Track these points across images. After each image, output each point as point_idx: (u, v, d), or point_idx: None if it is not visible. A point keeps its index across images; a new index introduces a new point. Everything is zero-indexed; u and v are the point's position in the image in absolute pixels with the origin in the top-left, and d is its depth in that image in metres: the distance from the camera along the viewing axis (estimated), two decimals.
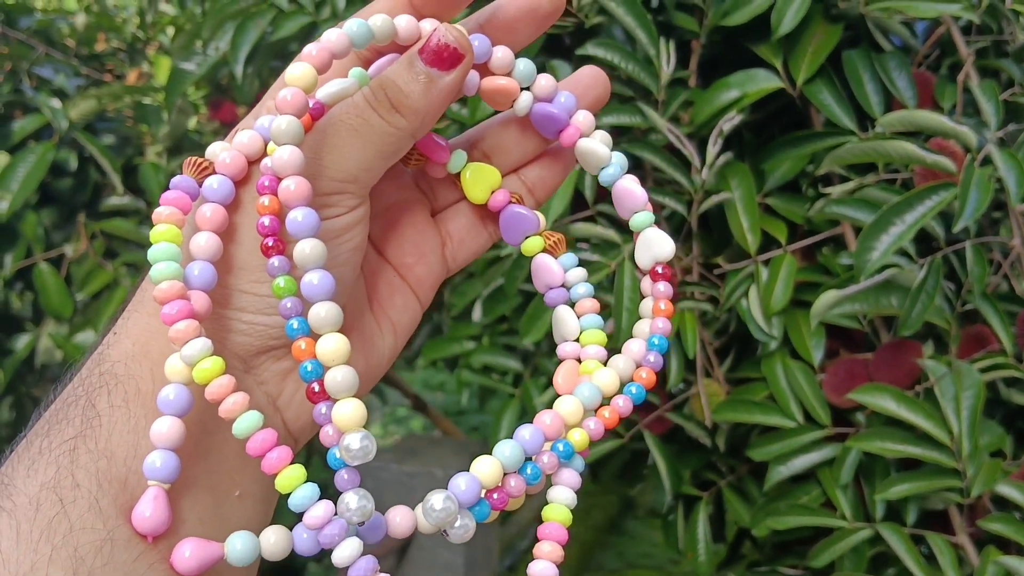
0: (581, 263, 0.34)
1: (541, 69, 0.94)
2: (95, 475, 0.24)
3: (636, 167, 0.86)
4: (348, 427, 0.25)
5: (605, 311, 0.85)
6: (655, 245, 0.31)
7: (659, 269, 0.31)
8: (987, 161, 0.71)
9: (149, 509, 0.24)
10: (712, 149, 0.79)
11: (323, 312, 0.25)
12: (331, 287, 0.26)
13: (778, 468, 0.81)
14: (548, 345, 0.95)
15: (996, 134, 0.72)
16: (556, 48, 0.91)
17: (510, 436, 0.27)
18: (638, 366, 0.31)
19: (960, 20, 0.81)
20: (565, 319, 0.32)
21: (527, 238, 0.33)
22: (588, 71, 0.33)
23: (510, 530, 2.01)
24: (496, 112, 0.33)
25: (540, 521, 0.28)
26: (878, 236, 0.69)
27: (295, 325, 0.25)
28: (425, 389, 3.07)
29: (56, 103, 1.13)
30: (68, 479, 0.24)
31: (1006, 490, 0.73)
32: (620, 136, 0.85)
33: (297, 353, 0.25)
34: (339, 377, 0.25)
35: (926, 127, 0.72)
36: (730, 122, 0.79)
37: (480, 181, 0.32)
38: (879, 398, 0.75)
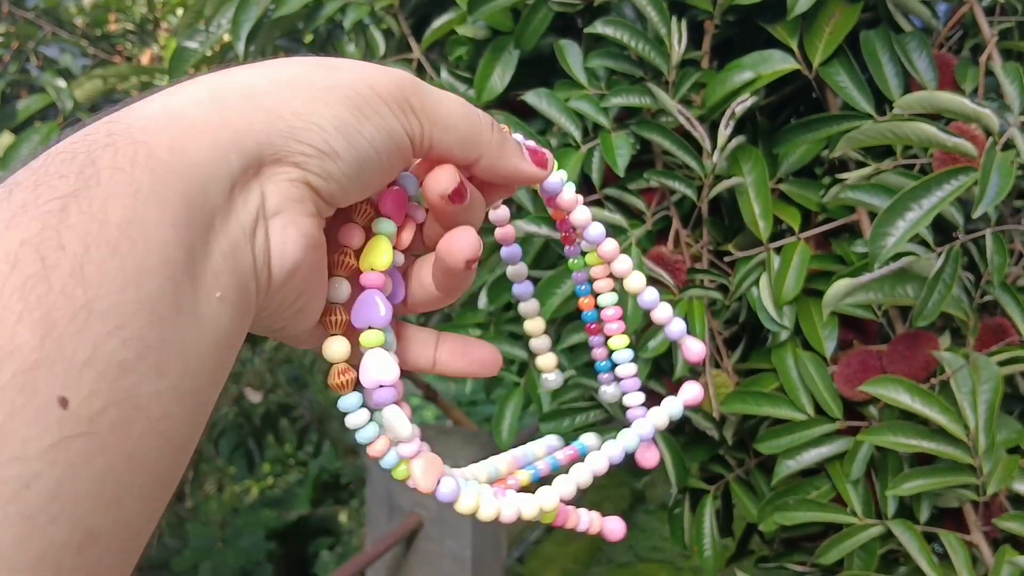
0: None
1: (549, 49, 0.91)
2: (83, 238, 0.22)
3: (645, 150, 0.83)
4: None
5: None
6: None
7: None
8: (1009, 145, 0.68)
9: None
10: (724, 132, 0.77)
11: None
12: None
13: (787, 462, 0.79)
14: (554, 333, 0.93)
15: (1019, 118, 0.70)
16: (566, 27, 0.89)
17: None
18: None
19: (983, 0, 0.78)
20: (394, 423, 0.31)
21: (369, 328, 0.31)
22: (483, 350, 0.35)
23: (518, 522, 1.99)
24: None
25: None
26: (894, 221, 0.67)
27: None
28: (437, 379, 3.06)
29: (61, 83, 1.12)
30: (53, 239, 0.21)
31: (1023, 488, 0.71)
32: (629, 117, 0.82)
33: None
34: None
35: (946, 109, 0.70)
36: (743, 104, 0.77)
37: (371, 255, 0.31)
38: (893, 391, 0.73)
